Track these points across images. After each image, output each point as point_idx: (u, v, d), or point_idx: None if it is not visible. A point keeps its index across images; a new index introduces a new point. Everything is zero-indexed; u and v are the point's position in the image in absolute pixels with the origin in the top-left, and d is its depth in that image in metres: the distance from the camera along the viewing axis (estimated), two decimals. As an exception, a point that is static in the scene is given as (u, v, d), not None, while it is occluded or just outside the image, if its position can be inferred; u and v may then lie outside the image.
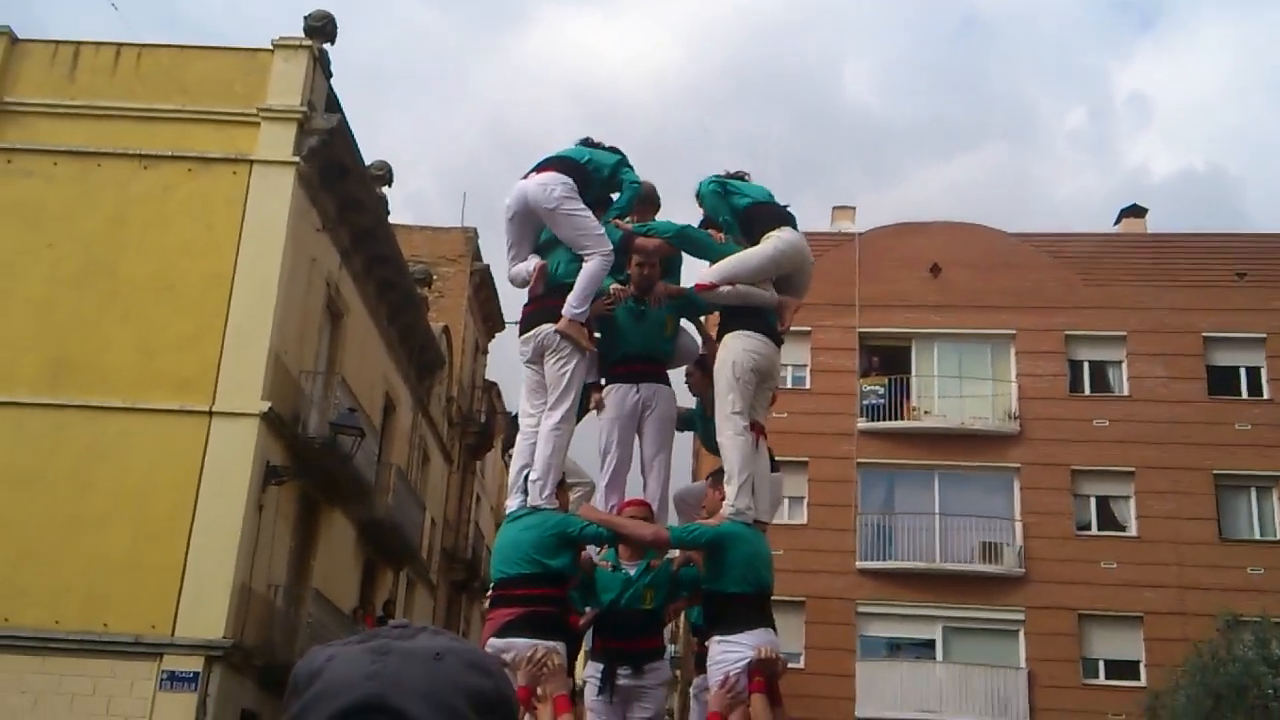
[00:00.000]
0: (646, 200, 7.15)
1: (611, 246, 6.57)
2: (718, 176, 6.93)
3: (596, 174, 6.76)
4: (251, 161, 18.51)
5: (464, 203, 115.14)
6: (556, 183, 6.52)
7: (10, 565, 16.42)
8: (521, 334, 6.81)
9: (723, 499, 6.51)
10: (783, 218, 6.79)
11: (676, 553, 6.84)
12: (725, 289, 6.48)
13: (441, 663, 1.11)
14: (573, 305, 6.40)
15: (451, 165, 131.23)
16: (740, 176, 7.13)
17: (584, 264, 6.46)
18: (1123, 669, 26.06)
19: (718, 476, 6.75)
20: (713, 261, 6.99)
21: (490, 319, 36.92)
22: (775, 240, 6.59)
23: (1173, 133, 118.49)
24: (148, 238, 18.05)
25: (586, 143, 7.01)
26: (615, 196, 6.97)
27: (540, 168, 6.67)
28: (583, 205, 6.54)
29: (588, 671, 6.81)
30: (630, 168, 6.98)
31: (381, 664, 1.09)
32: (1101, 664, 26.42)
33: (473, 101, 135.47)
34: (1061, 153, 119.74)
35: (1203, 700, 15.14)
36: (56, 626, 16.21)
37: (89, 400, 17.26)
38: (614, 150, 7.06)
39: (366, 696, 1.06)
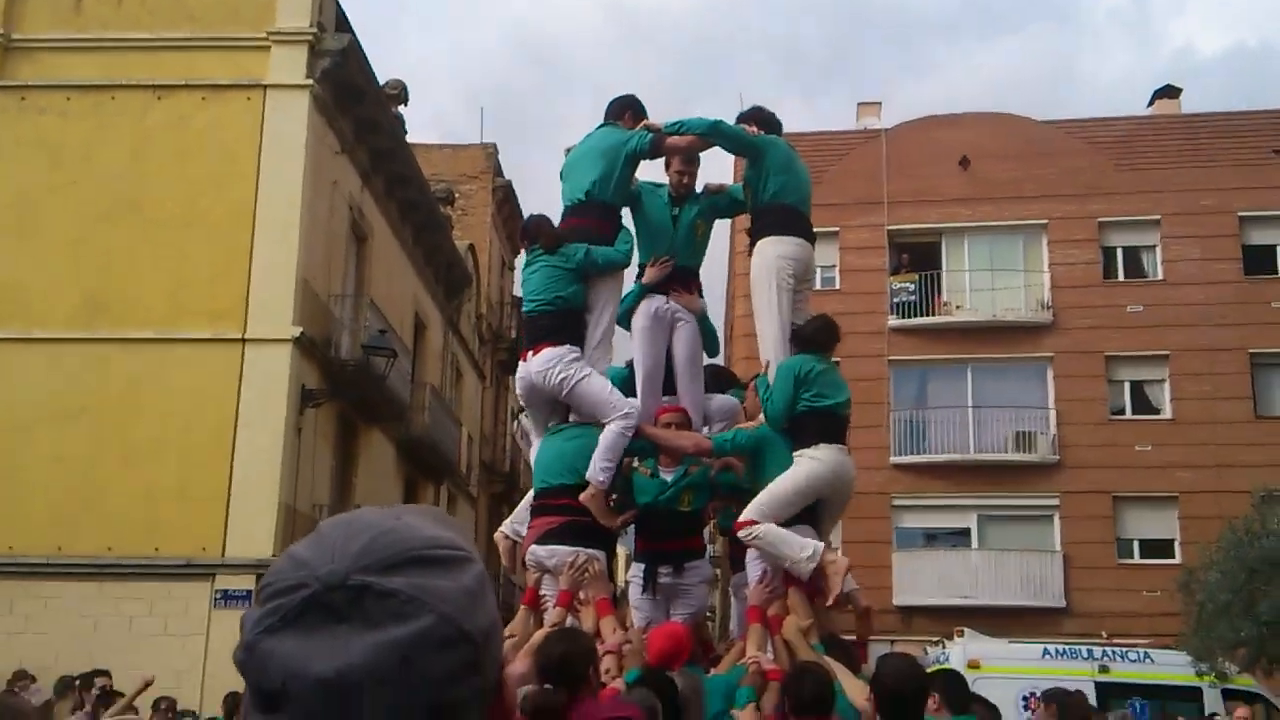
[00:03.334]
0: (633, 109, 6.98)
1: (631, 409, 6.39)
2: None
3: (575, 303, 6.50)
4: (265, 86, 18.42)
5: (482, 118, 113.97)
6: (555, 361, 6.34)
7: (61, 497, 16.79)
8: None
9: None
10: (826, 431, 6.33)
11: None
12: (762, 529, 6.07)
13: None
14: (595, 473, 6.25)
15: (469, 78, 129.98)
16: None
17: (604, 430, 6.31)
18: (1158, 548, 26.20)
19: (759, 381, 6.79)
20: (748, 156, 6.90)
21: (515, 235, 36.76)
22: (809, 465, 6.21)
23: (1221, 5, 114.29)
24: (168, 170, 18.08)
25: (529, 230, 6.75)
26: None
27: (534, 343, 6.49)
28: (588, 372, 6.35)
29: (631, 572, 6.97)
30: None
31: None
32: (1136, 544, 26.58)
33: (490, 10, 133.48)
34: (1103, 33, 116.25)
35: (1236, 575, 15.24)
36: (110, 553, 16.62)
37: (125, 333, 17.48)
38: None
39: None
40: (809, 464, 6.16)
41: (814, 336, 6.48)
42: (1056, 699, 8.27)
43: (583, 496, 6.23)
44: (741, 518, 6.12)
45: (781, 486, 6.13)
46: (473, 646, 1.04)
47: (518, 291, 38.34)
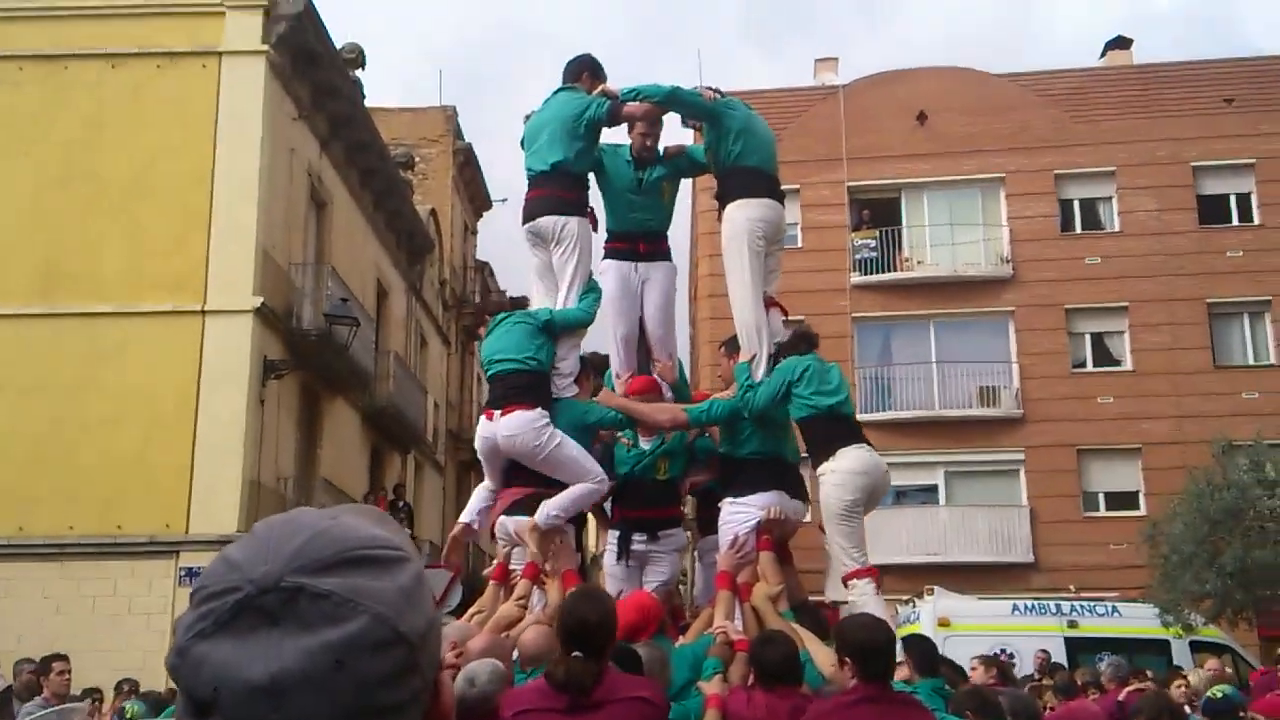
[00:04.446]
0: (590, 69, 6.97)
1: (603, 479, 6.32)
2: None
3: (546, 364, 6.37)
4: (220, 53, 18.21)
5: (441, 80, 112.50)
6: (526, 429, 6.17)
7: (20, 474, 16.59)
8: (524, 223, 6.77)
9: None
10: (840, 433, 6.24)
11: None
12: (858, 594, 6.02)
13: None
14: (550, 513, 6.12)
15: (427, 37, 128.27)
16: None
17: (574, 486, 6.22)
18: (1123, 500, 26.50)
19: (730, 345, 6.75)
20: (705, 121, 6.81)
21: (477, 198, 36.56)
22: (832, 489, 6.11)
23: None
24: (125, 139, 17.83)
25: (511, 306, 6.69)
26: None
27: (504, 403, 6.27)
28: (560, 439, 6.18)
29: (607, 539, 6.96)
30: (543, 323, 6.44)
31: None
32: (1101, 496, 26.86)
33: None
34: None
35: (1199, 527, 15.40)
36: (71, 532, 16.46)
37: (83, 307, 17.28)
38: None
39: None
40: (831, 487, 6.09)
41: (794, 342, 6.48)
42: (998, 664, 8.65)
43: (527, 526, 6.10)
44: (844, 574, 6.09)
45: (835, 530, 6.12)
46: (408, 648, 1.02)
47: (480, 256, 38.15)
